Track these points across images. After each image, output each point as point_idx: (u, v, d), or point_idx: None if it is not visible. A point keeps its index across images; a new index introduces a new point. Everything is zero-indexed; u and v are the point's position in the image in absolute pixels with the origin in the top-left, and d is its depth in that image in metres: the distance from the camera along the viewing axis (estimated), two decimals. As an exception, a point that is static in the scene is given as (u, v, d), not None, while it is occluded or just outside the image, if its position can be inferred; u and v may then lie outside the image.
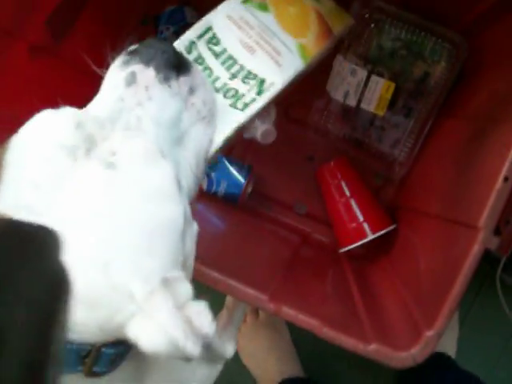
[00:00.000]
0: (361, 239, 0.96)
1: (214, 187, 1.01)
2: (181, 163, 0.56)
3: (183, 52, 0.67)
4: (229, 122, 0.66)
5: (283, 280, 0.77)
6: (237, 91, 0.68)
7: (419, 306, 0.73)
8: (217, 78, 0.68)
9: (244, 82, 0.68)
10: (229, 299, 1.05)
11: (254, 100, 0.68)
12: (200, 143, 0.60)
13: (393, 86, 0.93)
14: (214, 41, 0.70)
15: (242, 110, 0.68)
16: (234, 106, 0.67)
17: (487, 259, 0.83)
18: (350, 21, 0.82)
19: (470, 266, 0.64)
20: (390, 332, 0.71)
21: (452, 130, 0.91)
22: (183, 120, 0.58)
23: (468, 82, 0.92)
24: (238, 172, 1.01)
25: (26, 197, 0.45)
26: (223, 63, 0.69)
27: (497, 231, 0.67)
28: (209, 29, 0.70)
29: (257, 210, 1.08)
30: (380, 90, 0.93)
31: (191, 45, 0.69)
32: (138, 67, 0.56)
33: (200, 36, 0.70)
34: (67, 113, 0.51)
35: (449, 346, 1.13)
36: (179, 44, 0.69)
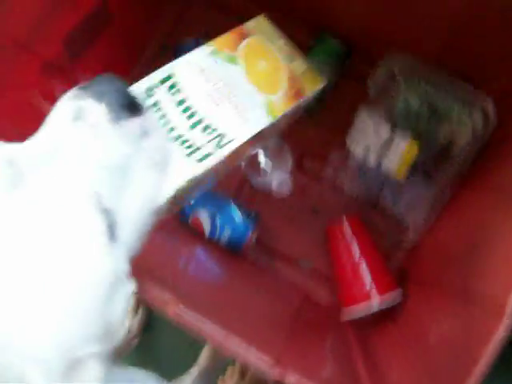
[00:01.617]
0: (367, 307, 0.90)
1: (218, 233, 0.95)
2: (121, 212, 0.51)
3: (141, 95, 0.65)
4: (183, 172, 0.63)
5: (286, 342, 0.72)
6: (194, 143, 0.65)
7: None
8: (174, 127, 0.65)
9: (203, 134, 0.66)
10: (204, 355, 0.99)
11: (211, 154, 0.66)
12: (147, 192, 0.56)
13: (415, 148, 0.88)
14: (174, 89, 0.67)
15: (199, 161, 0.65)
16: (190, 156, 0.65)
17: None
18: (321, 82, 0.80)
19: (492, 352, 0.59)
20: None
21: (475, 201, 0.86)
22: (131, 165, 0.53)
23: (496, 154, 0.88)
24: (243, 219, 0.95)
25: None
26: (183, 112, 0.66)
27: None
28: (170, 76, 0.68)
29: (260, 261, 1.03)
30: (402, 151, 0.89)
31: (151, 89, 0.66)
32: (88, 102, 0.52)
33: (161, 82, 0.67)
34: (1, 149, 0.48)
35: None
36: (137, 87, 0.66)
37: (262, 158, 0.84)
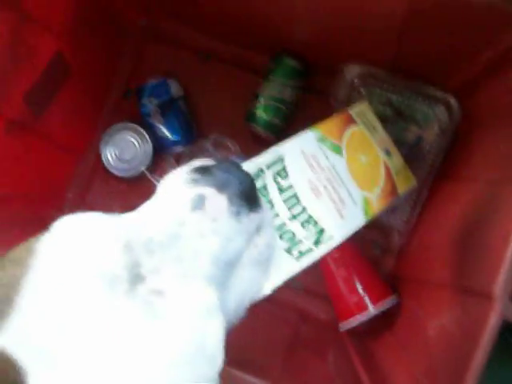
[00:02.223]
0: (362, 315, 0.89)
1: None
2: (221, 307, 0.47)
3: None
4: (281, 270, 0.58)
5: (284, 364, 0.71)
6: (294, 235, 0.61)
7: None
8: (276, 215, 0.61)
9: (303, 227, 0.62)
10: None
11: (310, 250, 0.61)
12: (249, 289, 0.52)
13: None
14: (282, 174, 0.63)
15: (297, 259, 0.61)
16: (289, 251, 0.60)
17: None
18: (413, 183, 0.79)
19: (488, 341, 0.59)
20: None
21: (452, 193, 0.87)
22: (240, 260, 0.50)
23: (465, 144, 0.89)
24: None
25: (40, 334, 0.37)
26: (286, 200, 0.62)
27: (512, 299, 0.62)
28: (280, 159, 0.64)
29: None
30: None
31: (259, 172, 0.62)
32: (209, 191, 0.48)
33: (270, 165, 0.63)
34: (116, 226, 0.44)
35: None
36: (246, 168, 0.59)
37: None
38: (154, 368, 0.38)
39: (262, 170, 0.62)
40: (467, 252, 0.72)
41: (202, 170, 0.49)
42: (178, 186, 0.49)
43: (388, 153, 0.75)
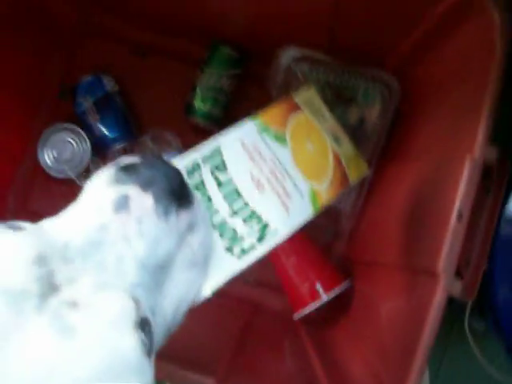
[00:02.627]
0: (314, 302, 0.88)
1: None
2: (155, 313, 0.44)
3: (184, 175, 0.53)
4: (222, 270, 0.55)
5: (233, 359, 0.69)
6: (235, 232, 0.57)
7: (386, 369, 0.66)
8: (216, 212, 0.57)
9: (245, 223, 0.58)
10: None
11: (252, 247, 0.58)
12: (186, 292, 0.49)
13: (328, 134, 0.88)
14: (221, 167, 0.59)
15: (239, 257, 0.57)
16: (229, 250, 0.56)
17: (452, 307, 0.78)
18: (365, 170, 0.75)
19: (434, 317, 0.58)
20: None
21: (397, 173, 0.86)
22: (173, 263, 0.46)
23: (406, 122, 0.88)
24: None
25: None
26: (226, 196, 0.58)
27: (458, 275, 0.61)
28: (218, 152, 0.60)
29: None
30: (315, 140, 0.88)
31: (195, 167, 0.58)
32: (133, 190, 0.44)
33: (207, 159, 0.59)
34: (26, 237, 0.40)
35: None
36: (180, 163, 0.57)
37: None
38: None
39: (198, 165, 0.58)
40: (413, 231, 0.71)
41: (127, 168, 0.45)
42: (100, 186, 0.45)
43: (338, 140, 0.72)
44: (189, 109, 0.96)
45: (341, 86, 0.90)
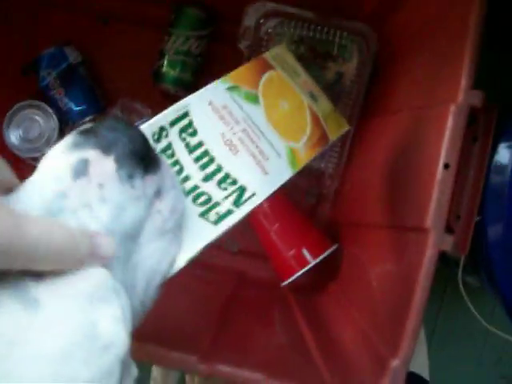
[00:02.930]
0: (302, 267, 0.85)
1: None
2: (128, 287, 0.41)
3: (151, 140, 0.51)
4: (197, 237, 0.50)
5: (218, 333, 0.66)
6: (210, 197, 0.53)
7: (379, 333, 0.63)
8: (187, 178, 0.53)
9: (220, 187, 0.54)
10: (156, 370, 0.92)
11: (230, 212, 0.53)
12: (157, 264, 0.44)
13: (305, 92, 0.84)
14: (189, 130, 0.55)
15: (215, 223, 0.52)
16: (204, 216, 0.52)
17: (445, 263, 0.75)
18: (345, 126, 0.71)
19: (426, 275, 0.55)
20: (352, 372, 0.61)
21: (379, 128, 0.82)
22: (143, 231, 0.43)
23: (385, 75, 0.84)
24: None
25: None
26: (197, 159, 0.54)
27: (449, 229, 0.58)
28: (185, 114, 0.55)
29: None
30: (292, 99, 0.84)
31: (161, 131, 0.53)
32: (92, 154, 0.40)
33: (173, 122, 0.54)
34: None
35: (420, 365, 1.03)
36: (146, 129, 0.52)
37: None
38: (33, 368, 0.31)
39: (163, 128, 0.53)
40: (399, 187, 0.68)
41: (86, 132, 0.42)
42: (58, 153, 0.41)
43: (313, 97, 0.68)
44: (157, 75, 0.92)
45: (315, 41, 0.85)
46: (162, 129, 0.53)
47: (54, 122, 0.93)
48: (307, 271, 0.85)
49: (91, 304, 0.35)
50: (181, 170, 0.53)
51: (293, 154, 0.61)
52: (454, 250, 0.57)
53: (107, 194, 0.40)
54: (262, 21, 0.84)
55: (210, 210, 0.52)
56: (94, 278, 0.36)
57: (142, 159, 0.42)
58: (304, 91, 0.66)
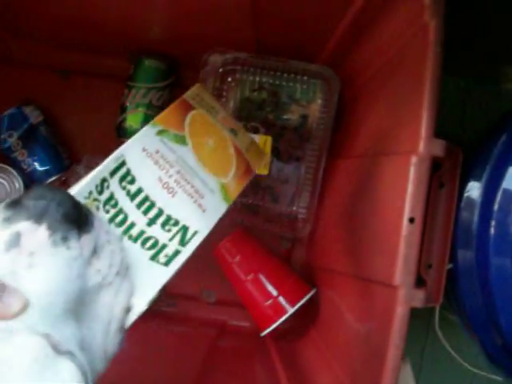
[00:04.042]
0: (280, 316, 0.83)
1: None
2: (87, 341, 0.43)
3: (94, 192, 0.53)
4: (151, 281, 0.53)
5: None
6: (157, 241, 0.55)
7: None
8: (133, 224, 0.55)
9: (164, 229, 0.56)
10: None
11: (177, 252, 0.56)
12: (110, 312, 0.47)
13: (269, 139, 0.83)
14: (128, 178, 0.56)
15: (166, 264, 0.55)
16: (155, 259, 0.54)
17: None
18: (266, 156, 0.75)
19: (398, 333, 0.54)
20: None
21: (345, 171, 0.81)
22: (86, 288, 0.44)
23: (348, 116, 0.83)
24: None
25: None
26: (139, 206, 0.56)
27: (420, 280, 0.56)
28: (123, 163, 0.56)
29: (160, 312, 0.95)
30: (256, 147, 0.83)
31: (103, 183, 0.54)
32: (24, 226, 0.41)
33: (113, 172, 0.55)
34: None
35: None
36: (89, 182, 0.53)
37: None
38: None
39: (105, 180, 0.54)
40: (365, 238, 0.67)
41: (14, 205, 0.43)
42: None
43: (234, 131, 0.70)
44: (119, 130, 0.90)
45: (276, 86, 0.84)
46: (103, 180, 0.54)
47: (19, 184, 0.92)
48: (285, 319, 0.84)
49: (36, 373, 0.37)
50: (125, 218, 0.54)
51: (224, 189, 0.64)
52: (427, 302, 0.56)
53: (36, 261, 0.40)
54: (220, 70, 0.83)
55: (158, 252, 0.55)
56: (34, 347, 0.38)
57: (75, 221, 0.44)
58: (225, 127, 0.69)
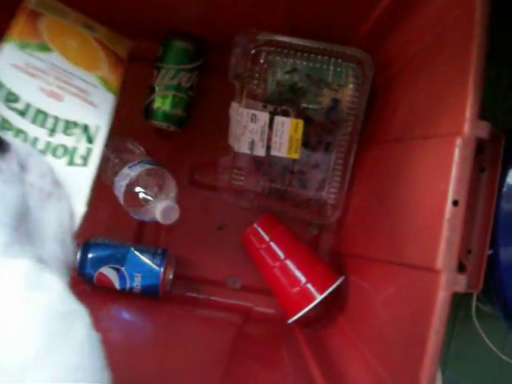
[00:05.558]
0: (308, 303, 0.82)
1: (128, 283, 0.86)
2: (42, 257, 0.44)
3: None
4: (78, 183, 0.56)
5: (226, 375, 0.64)
6: (65, 147, 0.58)
7: (392, 375, 0.60)
8: (35, 140, 0.56)
9: (67, 134, 0.59)
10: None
11: (90, 150, 0.59)
12: (60, 225, 0.49)
13: (301, 123, 0.81)
14: (12, 98, 0.58)
15: (84, 164, 0.58)
16: (72, 163, 0.57)
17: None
18: (127, 43, 0.76)
19: (439, 318, 0.52)
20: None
21: (378, 156, 0.79)
22: (30, 206, 0.45)
23: (383, 101, 0.81)
24: (150, 260, 0.87)
25: None
26: (34, 120, 0.57)
27: (460, 266, 0.55)
28: (0, 86, 0.58)
29: (185, 298, 0.94)
30: (288, 131, 0.82)
31: None
32: None
33: None
34: None
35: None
36: None
37: (138, 189, 0.75)
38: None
39: None
40: (402, 222, 0.65)
41: None
42: None
43: (89, 27, 0.71)
44: (148, 112, 0.89)
45: (309, 69, 0.83)
46: None
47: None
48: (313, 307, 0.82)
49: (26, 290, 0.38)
50: (26, 136, 0.56)
51: (104, 81, 0.66)
52: (466, 288, 0.54)
53: None
54: (252, 51, 0.81)
55: (72, 156, 0.58)
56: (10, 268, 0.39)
57: None
58: (80, 25, 0.70)
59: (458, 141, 0.53)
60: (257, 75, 0.82)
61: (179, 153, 0.95)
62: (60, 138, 0.58)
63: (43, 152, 0.56)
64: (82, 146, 0.59)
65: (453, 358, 0.99)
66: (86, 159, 0.58)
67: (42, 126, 0.58)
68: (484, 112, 0.53)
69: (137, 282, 0.86)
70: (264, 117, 0.81)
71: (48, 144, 0.57)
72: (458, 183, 0.52)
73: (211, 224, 0.96)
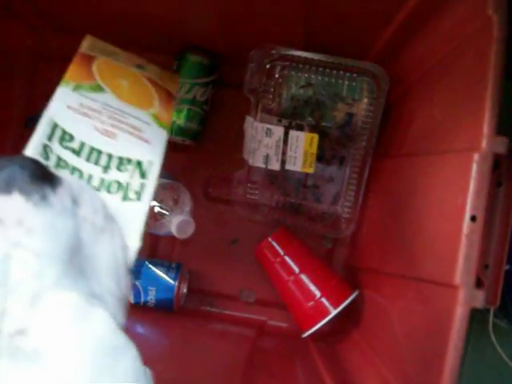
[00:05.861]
0: (322, 317, 0.82)
1: (143, 297, 0.86)
2: (95, 291, 0.42)
3: (41, 160, 0.53)
4: (132, 218, 0.55)
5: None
6: (119, 183, 0.58)
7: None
8: (91, 177, 0.56)
9: (121, 171, 0.58)
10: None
11: (143, 185, 0.59)
12: (113, 260, 0.47)
13: (316, 137, 0.82)
14: (66, 137, 0.57)
15: (138, 199, 0.58)
16: (126, 199, 0.57)
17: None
18: (177, 77, 0.77)
19: (458, 334, 0.52)
20: None
21: (393, 169, 0.79)
22: (82, 241, 0.43)
23: (398, 115, 0.81)
24: (165, 273, 0.87)
25: None
26: (88, 158, 0.57)
27: (478, 281, 0.54)
28: (55, 126, 0.57)
29: (199, 312, 0.94)
30: (303, 145, 0.82)
31: (45, 149, 0.55)
32: None
33: (50, 137, 0.56)
34: None
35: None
36: (34, 152, 0.54)
37: (153, 203, 0.76)
38: None
39: (46, 146, 0.55)
40: (418, 237, 0.65)
41: None
42: None
43: (140, 67, 0.73)
44: (163, 126, 0.89)
45: (323, 83, 0.83)
46: (45, 146, 0.55)
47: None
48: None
49: (78, 322, 0.37)
50: (81, 173, 0.56)
51: (156, 118, 0.67)
52: (484, 303, 0.54)
53: (31, 225, 0.39)
54: (268, 66, 0.82)
55: (126, 192, 0.57)
56: (69, 302, 0.38)
57: (44, 177, 0.43)
58: (131, 65, 0.72)
59: (476, 156, 0.53)
60: (272, 89, 0.83)
61: (194, 167, 0.96)
62: (114, 175, 0.58)
63: (97, 188, 0.56)
64: (136, 182, 0.59)
65: (468, 373, 0.99)
66: (139, 194, 0.58)
67: (97, 163, 0.58)
68: (500, 126, 0.53)
69: (151, 296, 0.86)
70: (279, 131, 0.81)
71: (102, 181, 0.57)
72: (475, 199, 0.52)
73: (225, 238, 0.96)
